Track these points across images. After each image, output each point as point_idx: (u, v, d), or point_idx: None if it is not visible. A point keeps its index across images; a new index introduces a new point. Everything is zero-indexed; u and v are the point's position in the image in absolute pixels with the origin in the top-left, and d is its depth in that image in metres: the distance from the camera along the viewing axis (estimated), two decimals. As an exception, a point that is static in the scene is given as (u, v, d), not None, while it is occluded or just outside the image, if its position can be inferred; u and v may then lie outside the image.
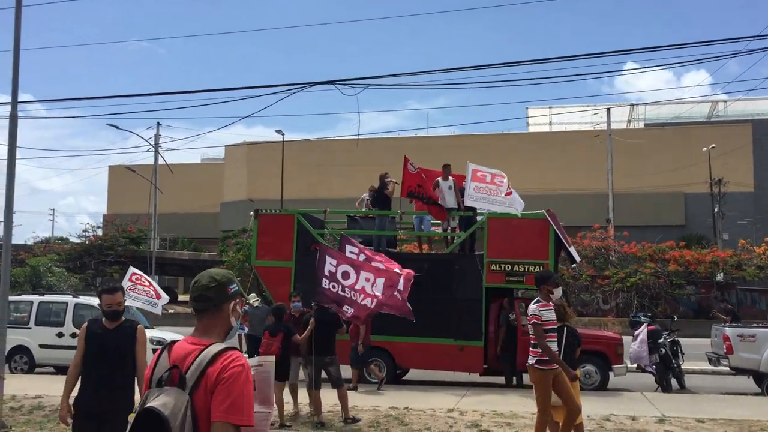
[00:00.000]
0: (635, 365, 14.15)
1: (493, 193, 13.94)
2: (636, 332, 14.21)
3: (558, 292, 7.65)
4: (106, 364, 4.99)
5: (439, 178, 14.75)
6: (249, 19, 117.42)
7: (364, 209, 16.06)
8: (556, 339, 7.52)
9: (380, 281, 9.87)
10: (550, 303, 7.53)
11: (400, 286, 10.02)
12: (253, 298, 14.56)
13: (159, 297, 16.28)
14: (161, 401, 2.48)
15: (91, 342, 5.09)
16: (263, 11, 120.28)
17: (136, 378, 5.08)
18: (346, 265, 9.84)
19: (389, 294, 9.82)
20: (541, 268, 13.58)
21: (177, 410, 2.47)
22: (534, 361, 7.40)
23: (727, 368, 14.09)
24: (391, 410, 10.47)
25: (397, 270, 10.23)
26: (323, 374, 9.91)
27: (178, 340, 2.78)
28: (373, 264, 10.28)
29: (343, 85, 13.81)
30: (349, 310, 9.67)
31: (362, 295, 9.71)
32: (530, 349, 7.51)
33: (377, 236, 15.11)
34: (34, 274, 35.82)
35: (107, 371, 4.97)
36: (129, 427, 2.52)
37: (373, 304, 9.77)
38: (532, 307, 7.48)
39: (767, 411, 10.51)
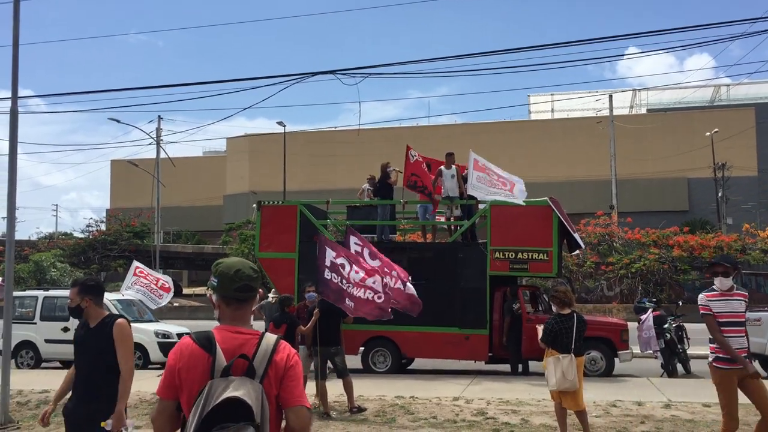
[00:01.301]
0: (647, 351, 14.00)
1: (493, 184, 13.91)
2: (642, 318, 14.12)
3: (722, 283, 6.41)
4: (84, 366, 4.64)
5: (443, 167, 14.75)
6: (248, 9, 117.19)
7: (366, 199, 16.04)
8: (740, 333, 6.45)
9: (375, 279, 9.71)
10: (726, 292, 6.42)
11: (407, 289, 9.92)
12: (273, 294, 14.48)
13: (168, 290, 16.24)
14: (242, 391, 2.52)
15: (75, 343, 4.77)
16: (262, 1, 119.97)
17: (121, 378, 4.62)
18: (344, 257, 9.77)
19: (390, 292, 9.71)
20: (545, 256, 13.58)
21: (257, 398, 2.54)
22: (712, 358, 6.50)
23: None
24: (397, 399, 10.49)
25: (395, 273, 10.07)
26: (328, 364, 9.92)
27: (207, 332, 2.75)
28: (371, 263, 10.08)
29: (344, 74, 13.78)
30: (350, 305, 9.50)
31: (360, 289, 9.56)
32: (709, 344, 6.56)
33: (380, 226, 15.10)
34: (37, 270, 35.95)
35: (85, 373, 4.62)
36: (204, 414, 2.49)
37: (380, 299, 9.59)
38: (701, 297, 6.49)
39: (773, 394, 10.48)
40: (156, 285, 16.14)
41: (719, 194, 40.73)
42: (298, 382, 2.70)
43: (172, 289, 16.52)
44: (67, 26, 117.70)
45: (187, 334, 2.79)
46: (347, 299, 9.47)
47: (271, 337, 2.73)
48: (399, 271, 10.17)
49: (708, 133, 41.96)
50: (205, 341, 2.67)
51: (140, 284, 16.18)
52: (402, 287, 9.89)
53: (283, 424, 2.71)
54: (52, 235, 53.59)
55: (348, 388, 9.77)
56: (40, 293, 16.61)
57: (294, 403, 2.66)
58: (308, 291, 10.83)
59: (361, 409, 9.66)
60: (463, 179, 14.49)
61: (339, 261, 9.65)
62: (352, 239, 10.33)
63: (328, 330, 9.78)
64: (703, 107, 52.23)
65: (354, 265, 9.68)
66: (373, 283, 9.60)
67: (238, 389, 2.51)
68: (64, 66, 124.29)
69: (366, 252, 10.18)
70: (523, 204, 13.67)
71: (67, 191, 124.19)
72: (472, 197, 14.36)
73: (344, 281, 9.51)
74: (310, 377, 10.46)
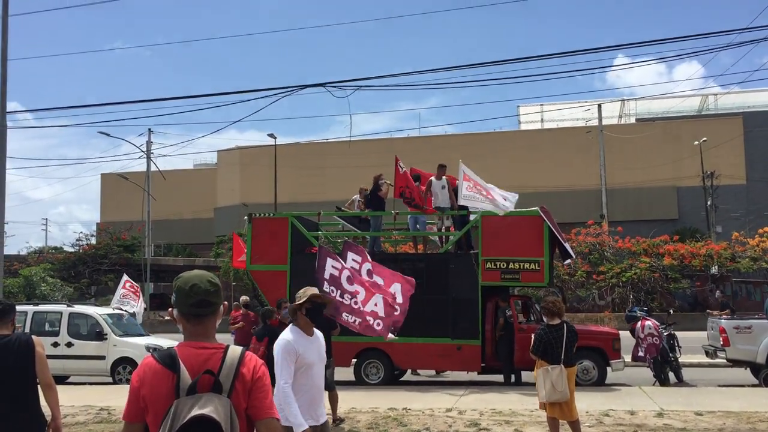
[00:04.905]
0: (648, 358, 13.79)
1: (482, 193, 13.93)
2: (649, 329, 13.68)
3: None
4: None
5: (433, 178, 14.79)
6: (237, 22, 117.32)
7: (355, 210, 16.04)
8: None
9: (378, 298, 9.59)
10: None
11: (399, 299, 9.76)
12: (242, 302, 14.66)
13: (138, 294, 17.13)
14: (210, 408, 2.45)
15: None
16: (252, 15, 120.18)
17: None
18: (348, 271, 9.65)
19: (389, 312, 9.57)
20: (536, 266, 13.62)
21: (225, 414, 2.47)
22: None
23: (724, 360, 14.12)
24: (389, 411, 10.45)
25: (397, 284, 9.90)
26: None
27: (170, 349, 2.69)
28: (373, 278, 9.91)
29: (334, 87, 13.85)
30: (351, 319, 9.37)
31: (364, 307, 9.43)
32: None
33: (372, 237, 15.10)
34: (27, 285, 35.70)
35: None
36: None
37: (379, 326, 9.46)
38: None
39: (765, 402, 10.55)
40: (131, 290, 16.69)
41: (708, 203, 40.94)
42: (267, 394, 2.64)
43: (141, 299, 17.30)
44: (54, 39, 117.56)
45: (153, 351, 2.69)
46: (345, 314, 9.37)
47: (236, 350, 2.67)
48: (400, 284, 9.93)
49: (696, 142, 42.23)
50: (167, 359, 2.60)
51: (128, 297, 16.47)
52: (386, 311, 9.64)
53: None
54: (42, 249, 53.31)
55: (334, 401, 9.80)
56: (30, 308, 16.48)
57: (264, 415, 2.60)
58: (285, 307, 10.66)
59: (342, 420, 9.72)
60: (453, 191, 14.52)
61: (346, 274, 9.53)
62: (350, 255, 10.11)
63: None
64: (692, 116, 52.58)
65: (355, 282, 9.55)
66: (375, 305, 9.48)
67: (206, 406, 2.44)
68: (52, 79, 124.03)
69: (365, 268, 9.97)
70: (510, 210, 13.63)
71: (56, 205, 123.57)
72: (463, 207, 14.39)
73: (345, 296, 9.40)
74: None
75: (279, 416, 2.64)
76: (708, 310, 20.63)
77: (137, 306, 17.08)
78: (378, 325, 9.44)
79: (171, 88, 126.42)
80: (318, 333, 5.06)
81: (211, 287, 2.73)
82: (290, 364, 4.72)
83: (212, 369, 2.57)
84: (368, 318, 9.42)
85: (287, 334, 4.86)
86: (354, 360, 14.13)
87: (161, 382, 2.56)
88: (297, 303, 4.87)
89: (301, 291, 4.96)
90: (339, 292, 9.38)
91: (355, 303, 9.37)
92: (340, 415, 9.89)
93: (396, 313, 9.71)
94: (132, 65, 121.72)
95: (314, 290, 4.94)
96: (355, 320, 9.35)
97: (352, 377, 14.09)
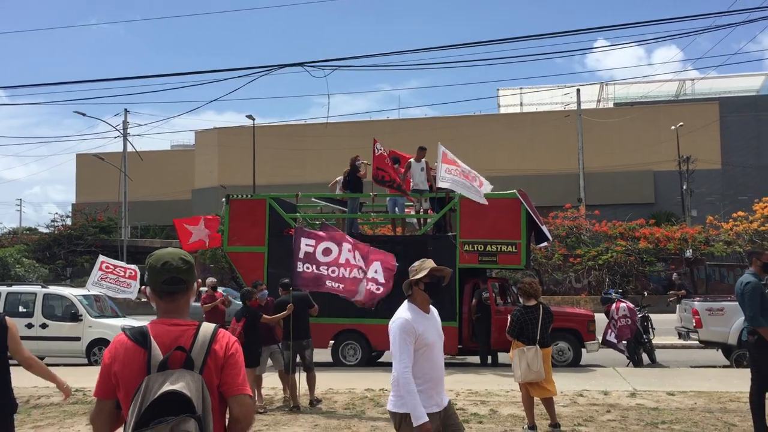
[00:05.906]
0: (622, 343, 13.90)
1: (461, 176, 13.94)
2: (623, 311, 13.76)
3: None
4: None
5: (412, 159, 14.77)
6: (215, 1, 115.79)
7: (338, 191, 15.99)
8: None
9: (377, 264, 9.65)
10: None
11: (381, 279, 9.73)
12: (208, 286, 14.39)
13: (134, 278, 16.24)
14: (181, 383, 2.45)
15: None
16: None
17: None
18: (327, 242, 9.67)
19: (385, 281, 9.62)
20: (514, 249, 13.71)
21: (197, 390, 2.47)
22: None
23: (697, 342, 14.34)
24: (366, 392, 10.50)
25: (377, 262, 9.92)
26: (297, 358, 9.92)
27: (142, 326, 2.68)
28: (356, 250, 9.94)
29: (312, 67, 13.73)
30: (335, 286, 9.43)
31: (349, 269, 9.50)
32: None
33: (350, 219, 15.08)
34: (2, 266, 35.29)
35: None
36: (142, 411, 2.41)
37: (362, 275, 9.48)
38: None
39: (735, 383, 10.74)
40: (124, 276, 16.08)
41: (684, 187, 41.39)
42: (240, 371, 2.64)
43: (139, 275, 16.44)
44: (28, 14, 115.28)
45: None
46: (327, 281, 9.42)
47: (208, 327, 2.67)
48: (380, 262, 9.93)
49: (673, 127, 42.60)
50: (139, 336, 2.60)
51: (108, 280, 16.06)
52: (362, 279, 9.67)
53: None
54: (16, 230, 52.61)
55: (311, 382, 9.84)
56: (3, 289, 16.27)
57: (235, 391, 2.61)
58: (261, 289, 10.65)
59: (319, 401, 9.81)
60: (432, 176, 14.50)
61: (322, 246, 9.55)
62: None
63: (299, 323, 9.77)
64: (669, 101, 52.95)
65: (344, 243, 9.59)
66: (375, 271, 9.51)
67: (177, 382, 2.44)
68: (26, 57, 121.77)
69: (345, 248, 9.97)
70: (486, 203, 13.66)
71: (30, 185, 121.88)
72: (441, 190, 14.39)
73: (322, 267, 9.44)
74: (270, 370, 10.44)
75: (251, 393, 2.64)
76: (673, 292, 20.78)
77: (134, 285, 16.38)
78: (378, 290, 9.47)
79: (147, 67, 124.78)
80: (434, 310, 4.47)
81: (183, 264, 2.71)
82: (410, 345, 4.15)
83: (184, 345, 2.56)
84: (353, 273, 9.42)
85: (404, 313, 4.23)
86: (331, 341, 14.15)
87: (133, 359, 2.56)
88: (415, 277, 4.27)
89: (418, 264, 4.32)
90: (314, 266, 9.42)
91: (333, 271, 9.42)
92: (317, 395, 9.94)
93: (379, 292, 9.70)
94: (107, 43, 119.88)
95: (432, 263, 4.30)
96: (338, 285, 9.41)
97: (329, 358, 14.12)
